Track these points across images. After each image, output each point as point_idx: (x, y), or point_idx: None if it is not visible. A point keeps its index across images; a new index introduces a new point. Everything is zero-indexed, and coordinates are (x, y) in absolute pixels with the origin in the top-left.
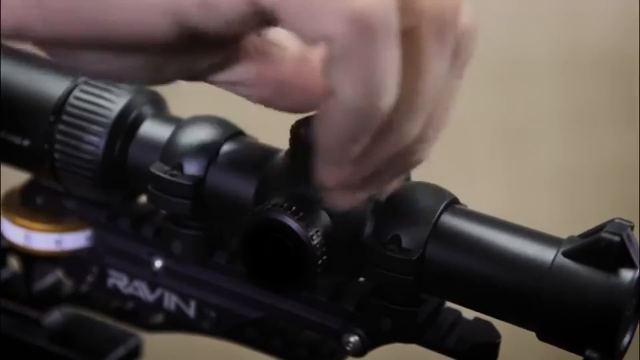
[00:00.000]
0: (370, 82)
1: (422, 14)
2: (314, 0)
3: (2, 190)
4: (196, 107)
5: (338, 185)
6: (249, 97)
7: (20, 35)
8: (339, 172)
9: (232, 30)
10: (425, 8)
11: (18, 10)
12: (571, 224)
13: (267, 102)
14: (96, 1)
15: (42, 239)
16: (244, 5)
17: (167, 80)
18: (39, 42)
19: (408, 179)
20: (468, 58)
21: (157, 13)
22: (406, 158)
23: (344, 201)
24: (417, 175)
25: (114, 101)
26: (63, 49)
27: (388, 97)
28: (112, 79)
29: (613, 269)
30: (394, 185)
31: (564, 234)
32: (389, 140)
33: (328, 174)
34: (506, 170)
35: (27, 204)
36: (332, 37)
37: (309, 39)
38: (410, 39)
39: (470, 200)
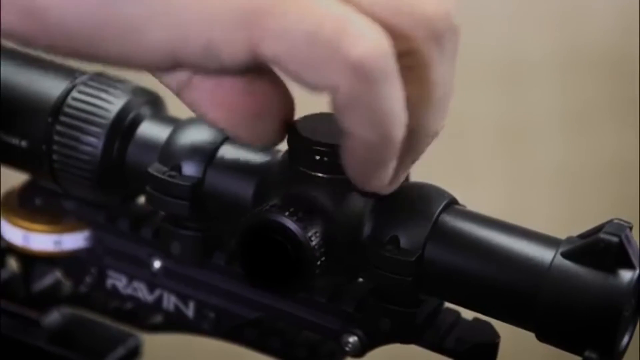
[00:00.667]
0: (379, 121)
1: (418, 35)
2: (315, 53)
3: (2, 191)
4: None
5: (391, 185)
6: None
7: (16, 41)
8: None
9: (230, 72)
10: (421, 30)
11: (16, 26)
12: (571, 224)
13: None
14: (97, 32)
15: (41, 240)
16: (246, 55)
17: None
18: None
19: (407, 179)
20: (458, 48)
21: (159, 53)
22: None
23: (386, 190)
24: (417, 175)
25: (112, 102)
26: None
27: (399, 127)
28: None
29: (612, 270)
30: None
31: (563, 234)
32: (424, 140)
33: (374, 186)
34: (506, 170)
35: (26, 205)
36: (336, 88)
37: (312, 89)
38: (412, 55)
39: (469, 200)
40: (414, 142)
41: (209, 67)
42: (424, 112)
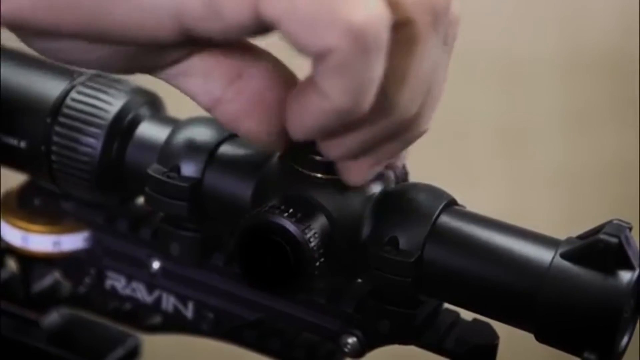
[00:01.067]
0: (358, 91)
1: (416, 8)
2: (316, 13)
3: (1, 192)
4: (194, 108)
5: (343, 156)
6: (208, 108)
7: (19, 24)
8: (340, 143)
9: (232, 36)
10: (419, 4)
11: (23, 1)
12: (570, 224)
13: (232, 120)
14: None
15: (40, 241)
16: (248, 14)
17: (135, 72)
18: (30, 30)
19: (406, 179)
20: (455, 39)
21: (162, 15)
22: (408, 132)
23: (355, 175)
24: (417, 175)
25: (111, 103)
26: (45, 36)
27: (369, 100)
28: (81, 66)
29: (611, 271)
30: (402, 160)
31: (563, 234)
32: (391, 118)
33: (332, 145)
34: (506, 170)
35: (25, 206)
36: (330, 51)
37: (307, 51)
38: (406, 28)
39: (469, 200)
40: (388, 128)
41: (213, 29)
42: (399, 89)
